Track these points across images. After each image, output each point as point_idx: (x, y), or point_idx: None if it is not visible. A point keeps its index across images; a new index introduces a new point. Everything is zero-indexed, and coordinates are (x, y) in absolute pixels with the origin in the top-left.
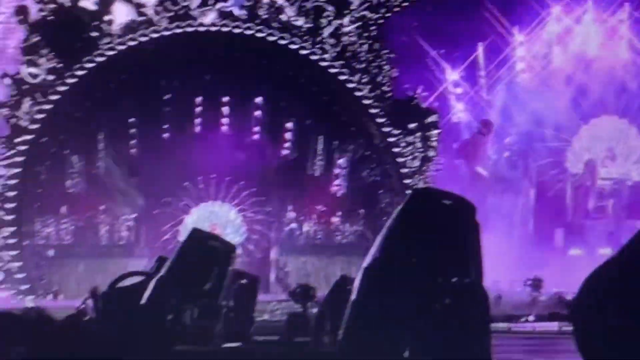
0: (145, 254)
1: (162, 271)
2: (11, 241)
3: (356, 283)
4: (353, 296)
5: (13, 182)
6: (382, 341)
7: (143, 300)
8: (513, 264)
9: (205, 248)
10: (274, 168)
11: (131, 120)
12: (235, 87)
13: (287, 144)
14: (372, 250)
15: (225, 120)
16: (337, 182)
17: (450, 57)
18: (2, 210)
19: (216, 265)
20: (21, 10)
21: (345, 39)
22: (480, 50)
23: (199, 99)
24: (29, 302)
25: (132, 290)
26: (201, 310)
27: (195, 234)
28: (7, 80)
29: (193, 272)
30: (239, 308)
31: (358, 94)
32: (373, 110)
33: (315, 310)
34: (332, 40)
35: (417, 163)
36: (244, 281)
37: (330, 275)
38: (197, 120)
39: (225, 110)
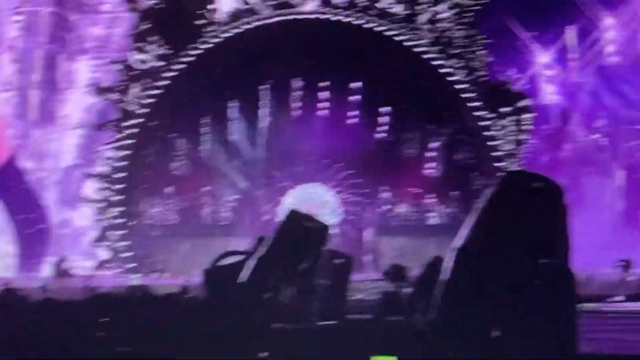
0: (246, 234)
1: (261, 251)
2: (119, 221)
3: (446, 263)
4: (444, 276)
5: (121, 164)
6: (471, 320)
7: (242, 279)
8: (602, 245)
9: (302, 228)
10: (370, 151)
11: (233, 104)
12: (334, 73)
13: (383, 128)
14: (463, 231)
15: (323, 105)
16: (431, 164)
17: (541, 39)
18: (110, 191)
19: (312, 245)
20: None
21: (441, 25)
22: (570, 32)
23: (298, 84)
24: (135, 280)
25: (233, 269)
26: (298, 289)
27: (292, 215)
28: (117, 66)
29: (290, 252)
30: (333, 287)
31: (452, 78)
32: (467, 95)
33: (407, 289)
34: (428, 27)
35: (510, 146)
36: (338, 261)
37: (423, 255)
38: (297, 104)
39: (324, 94)
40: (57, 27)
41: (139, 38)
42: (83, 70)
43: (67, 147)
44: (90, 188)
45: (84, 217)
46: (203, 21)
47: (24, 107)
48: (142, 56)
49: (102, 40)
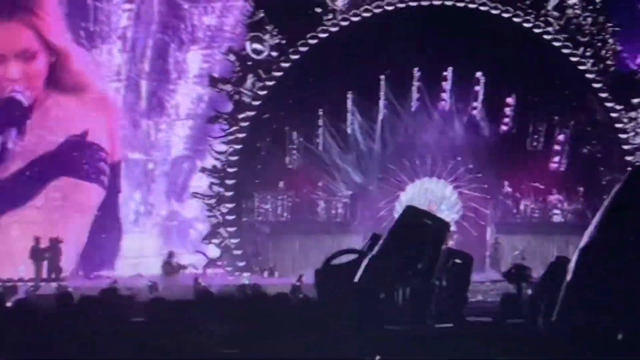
0: (360, 231)
1: (375, 249)
2: (230, 217)
3: (572, 264)
4: (568, 277)
5: (234, 158)
6: (595, 324)
7: (356, 278)
8: None
9: (420, 226)
10: (491, 144)
11: (350, 95)
12: (456, 61)
13: (506, 119)
14: (589, 230)
15: (444, 95)
16: (556, 158)
17: None
18: (221, 187)
19: (429, 243)
20: None
21: (569, 11)
22: None
23: (418, 74)
24: (245, 278)
25: (346, 268)
26: (413, 290)
27: (409, 211)
28: (232, 57)
29: (406, 250)
30: (451, 288)
31: (581, 67)
32: (596, 85)
33: (530, 291)
34: (556, 13)
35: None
36: (457, 260)
37: (547, 255)
38: (415, 96)
39: (445, 85)
40: (169, 16)
41: (254, 27)
42: (194, 60)
43: (176, 138)
44: (201, 182)
45: (191, 209)
46: (321, 9)
47: (134, 97)
48: (257, 46)
49: (214, 29)
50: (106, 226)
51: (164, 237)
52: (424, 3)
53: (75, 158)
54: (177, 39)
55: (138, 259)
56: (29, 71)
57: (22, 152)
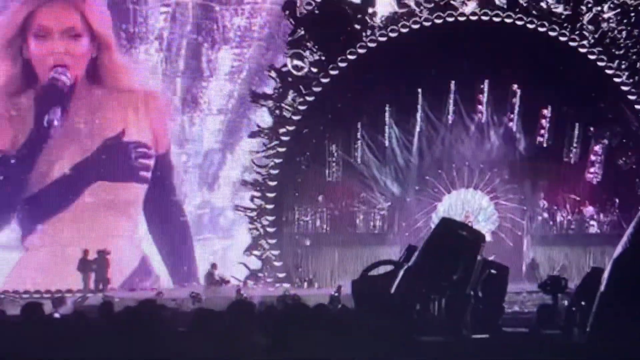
0: (397, 242)
1: (411, 261)
2: (271, 229)
3: (606, 274)
4: (602, 287)
5: (275, 172)
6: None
7: (392, 289)
8: None
9: (454, 237)
10: (528, 155)
11: (387, 109)
12: (493, 74)
13: (542, 131)
14: (623, 241)
15: (480, 108)
16: (592, 170)
17: None
18: (263, 200)
19: (465, 254)
20: (289, 5)
21: (604, 25)
22: None
23: (454, 87)
24: (285, 289)
25: (383, 279)
26: (449, 301)
27: (444, 223)
28: (273, 74)
29: (441, 261)
30: (487, 299)
31: (617, 80)
32: (631, 97)
33: (566, 302)
34: (591, 27)
35: None
36: (493, 271)
37: (583, 266)
38: (452, 108)
39: (481, 97)
40: (202, 18)
41: (294, 45)
42: (225, 58)
43: (208, 132)
44: (231, 173)
45: (221, 199)
46: (360, 26)
47: (170, 94)
48: (297, 63)
49: (243, 29)
50: (172, 231)
51: (196, 224)
52: (460, 18)
53: (113, 161)
54: (209, 39)
55: None
56: (73, 50)
57: (64, 134)
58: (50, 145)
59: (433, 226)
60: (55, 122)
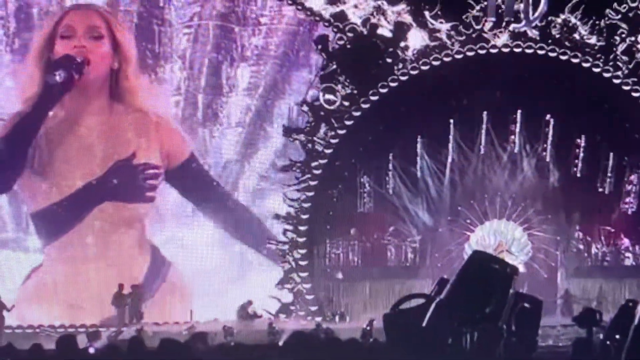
0: (429, 274)
1: (443, 294)
2: (302, 263)
3: None
4: (636, 321)
5: (306, 205)
6: None
7: (424, 323)
8: None
9: (487, 270)
10: (561, 186)
11: (419, 140)
12: (525, 104)
13: (576, 161)
14: None
15: (512, 138)
16: (627, 200)
17: None
18: (295, 233)
19: (497, 288)
20: (321, 40)
21: (639, 55)
22: None
23: (486, 117)
24: (317, 323)
25: (414, 312)
26: (481, 334)
27: (477, 255)
28: (305, 108)
29: (473, 295)
30: (520, 332)
31: None
32: None
33: (601, 335)
34: (625, 57)
35: None
36: (526, 304)
37: (618, 299)
38: (484, 139)
39: (513, 127)
40: (222, 38)
41: (326, 79)
42: (243, 75)
43: (228, 143)
44: (248, 182)
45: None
46: (392, 59)
47: (192, 109)
48: (329, 97)
49: (260, 49)
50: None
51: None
52: (492, 51)
53: (122, 183)
54: (229, 57)
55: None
56: (94, 49)
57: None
58: (61, 157)
59: (465, 257)
60: (58, 79)
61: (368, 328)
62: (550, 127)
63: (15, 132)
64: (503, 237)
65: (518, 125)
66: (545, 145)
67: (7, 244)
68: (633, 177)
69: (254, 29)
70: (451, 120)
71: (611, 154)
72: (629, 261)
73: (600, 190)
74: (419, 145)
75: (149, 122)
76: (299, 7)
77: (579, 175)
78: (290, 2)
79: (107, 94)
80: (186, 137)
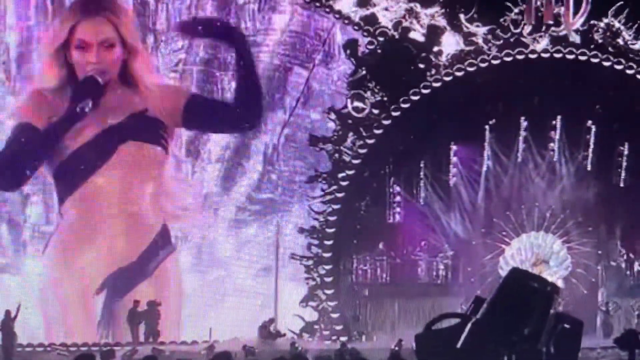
0: (462, 293)
1: (479, 314)
2: (328, 279)
3: None
4: None
5: (332, 218)
6: None
7: (459, 344)
8: None
9: (525, 289)
10: (603, 196)
11: (452, 147)
12: (565, 111)
13: (618, 170)
14: None
15: (552, 145)
16: None
17: None
18: (320, 247)
19: (537, 308)
20: (350, 44)
21: None
22: None
23: (525, 123)
24: (343, 343)
25: (448, 333)
26: (519, 356)
27: (515, 274)
28: (332, 116)
29: (511, 315)
30: (560, 355)
31: None
32: None
33: None
34: None
35: None
36: (566, 325)
37: None
38: (522, 146)
39: (553, 134)
40: (204, 82)
41: (355, 85)
42: None
43: (208, 177)
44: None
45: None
46: (425, 65)
47: (176, 146)
48: (358, 104)
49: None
50: None
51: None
52: (531, 56)
53: (139, 127)
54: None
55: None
56: (107, 58)
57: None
58: (77, 127)
59: (500, 272)
60: (87, 110)
61: (397, 349)
62: (592, 134)
63: (39, 139)
64: (541, 251)
65: (558, 132)
66: (586, 153)
67: (5, 269)
68: None
69: (233, 73)
70: (486, 126)
71: None
72: None
73: None
74: (452, 152)
75: (151, 92)
76: (327, 10)
77: (622, 185)
78: (318, 4)
79: (119, 80)
80: (180, 86)
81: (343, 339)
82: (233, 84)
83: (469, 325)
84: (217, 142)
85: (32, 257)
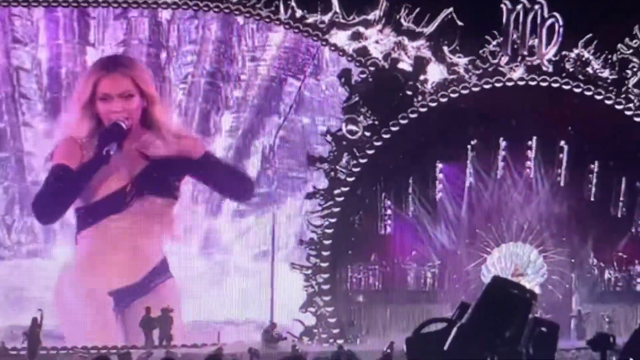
0: (447, 299)
1: (464, 318)
2: (325, 287)
3: None
4: None
5: (329, 231)
6: None
7: (445, 346)
8: None
9: (506, 296)
10: (575, 210)
11: (438, 165)
12: (540, 132)
13: (589, 186)
14: None
15: (528, 163)
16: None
17: None
18: (318, 258)
19: (517, 313)
20: (344, 74)
21: None
22: None
23: (503, 144)
24: (339, 346)
25: (436, 336)
26: (501, 357)
27: (496, 282)
28: (329, 137)
29: (494, 319)
30: (538, 355)
31: None
32: None
33: (614, 358)
34: (637, 90)
35: None
36: (544, 329)
37: (630, 323)
38: (501, 164)
39: (529, 153)
40: (209, 92)
41: (349, 110)
42: (226, 121)
43: None
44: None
45: (223, 222)
46: (412, 92)
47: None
48: (352, 127)
49: (240, 99)
50: None
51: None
52: (508, 84)
53: (154, 180)
54: (215, 107)
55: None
56: (128, 107)
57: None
58: (105, 168)
59: (483, 279)
60: (112, 152)
61: (389, 351)
62: (565, 153)
63: (72, 179)
64: (519, 260)
65: (533, 151)
66: (559, 171)
67: (37, 253)
68: None
69: (235, 84)
70: (469, 147)
71: (623, 179)
72: None
73: (612, 214)
74: (437, 170)
75: (169, 138)
76: (324, 43)
77: (592, 199)
78: (315, 38)
79: (141, 125)
80: (199, 139)
81: (340, 342)
82: (235, 93)
83: (455, 329)
84: (221, 144)
85: (60, 245)
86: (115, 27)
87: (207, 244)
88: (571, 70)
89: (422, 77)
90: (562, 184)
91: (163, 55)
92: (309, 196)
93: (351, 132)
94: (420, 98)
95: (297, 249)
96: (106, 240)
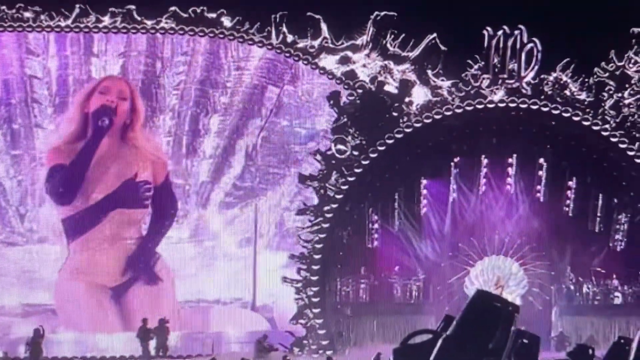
0: (433, 311)
1: (449, 330)
2: (315, 300)
3: (635, 344)
4: (630, 357)
5: (319, 246)
6: None
7: (431, 358)
8: None
9: (489, 309)
10: (554, 224)
11: (423, 181)
12: (520, 150)
13: (567, 202)
14: None
15: (509, 180)
16: (616, 237)
17: None
18: (308, 272)
19: (500, 325)
20: (333, 96)
21: (625, 110)
22: None
23: (485, 161)
24: (328, 356)
25: (421, 347)
26: None
27: (480, 295)
28: (318, 157)
29: (477, 331)
30: None
31: (638, 161)
32: None
33: None
34: (613, 112)
35: None
36: (525, 340)
37: (609, 336)
38: (483, 180)
39: (510, 170)
40: (200, 97)
41: (337, 131)
42: (214, 123)
43: (203, 170)
44: (217, 197)
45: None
46: (397, 113)
47: (179, 146)
48: (340, 147)
49: (227, 104)
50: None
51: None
52: (489, 105)
53: (129, 195)
54: (204, 110)
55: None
56: (120, 106)
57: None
58: (88, 177)
59: (466, 290)
60: (105, 124)
61: None
62: (544, 170)
63: (81, 158)
64: (501, 272)
65: (514, 168)
66: (539, 187)
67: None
68: (621, 217)
69: (223, 91)
70: (452, 164)
71: (600, 195)
72: (618, 300)
73: (590, 228)
74: (422, 186)
75: (145, 155)
76: (314, 67)
77: (570, 214)
78: (305, 62)
79: (119, 136)
80: (167, 164)
81: (329, 352)
82: (222, 99)
83: (440, 341)
84: (209, 143)
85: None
86: (117, 41)
87: (197, 232)
88: (549, 92)
89: (407, 99)
90: (541, 199)
91: (158, 65)
92: (300, 212)
93: (340, 152)
94: (405, 119)
95: (277, 235)
96: (93, 247)
